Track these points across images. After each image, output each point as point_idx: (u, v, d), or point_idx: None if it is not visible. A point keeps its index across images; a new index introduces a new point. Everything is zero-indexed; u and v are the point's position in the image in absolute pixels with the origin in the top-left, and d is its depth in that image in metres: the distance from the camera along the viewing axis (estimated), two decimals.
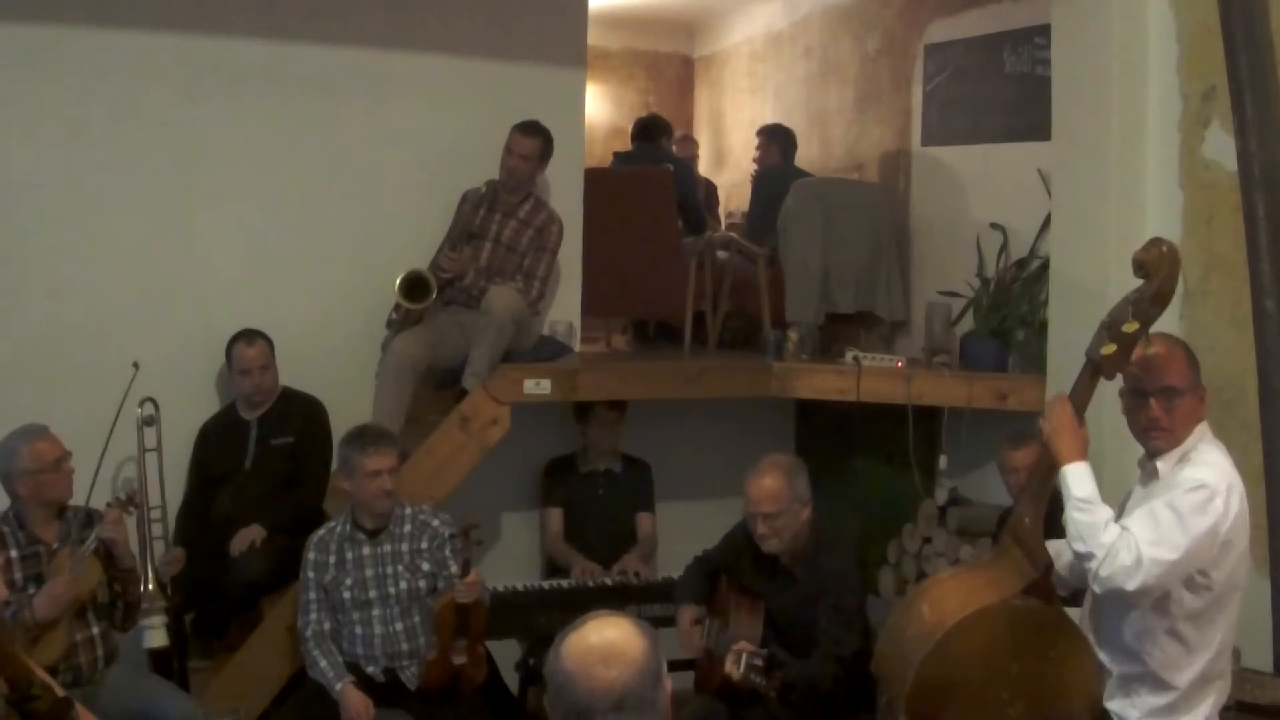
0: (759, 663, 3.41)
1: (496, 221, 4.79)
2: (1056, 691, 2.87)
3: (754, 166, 6.56)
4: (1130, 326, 2.77)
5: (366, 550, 3.96)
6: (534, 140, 4.74)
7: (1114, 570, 2.63)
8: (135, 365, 4.25)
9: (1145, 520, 2.68)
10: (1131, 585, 2.63)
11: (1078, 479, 2.75)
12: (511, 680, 4.44)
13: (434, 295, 4.62)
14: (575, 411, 5.07)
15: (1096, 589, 2.72)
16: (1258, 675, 3.36)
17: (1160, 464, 2.81)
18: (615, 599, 4.55)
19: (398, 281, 4.59)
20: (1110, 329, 2.81)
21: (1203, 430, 2.81)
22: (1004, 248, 5.11)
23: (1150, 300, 2.77)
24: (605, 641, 1.88)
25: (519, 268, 4.75)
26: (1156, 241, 2.81)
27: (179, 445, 4.49)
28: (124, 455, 4.33)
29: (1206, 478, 2.69)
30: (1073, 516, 2.73)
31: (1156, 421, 2.79)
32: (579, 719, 1.85)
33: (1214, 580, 2.70)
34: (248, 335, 4.48)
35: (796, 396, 5.21)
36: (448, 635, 3.83)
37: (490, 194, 4.83)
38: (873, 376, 4.91)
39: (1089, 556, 2.68)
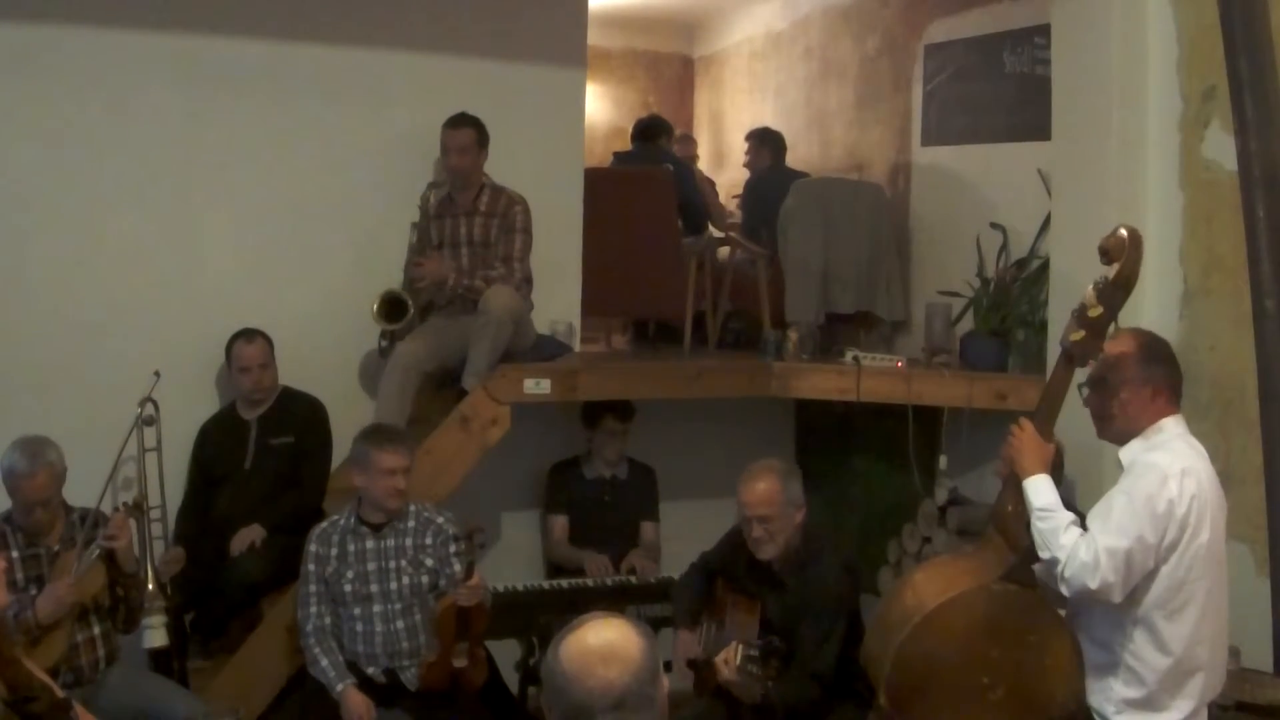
0: (755, 653, 3.41)
1: (463, 224, 4.74)
2: (1037, 677, 2.91)
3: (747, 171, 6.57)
4: (1095, 311, 2.87)
5: (369, 544, 3.95)
6: (465, 131, 4.64)
7: (1075, 569, 2.72)
8: (157, 374, 4.27)
9: (1101, 511, 2.78)
10: (1094, 583, 2.71)
11: (1037, 491, 2.86)
12: (511, 680, 4.44)
13: (411, 312, 4.57)
14: (582, 417, 5.07)
15: (1065, 591, 2.80)
16: (1258, 675, 3.36)
17: (1122, 454, 2.88)
18: (615, 599, 4.54)
19: (374, 306, 4.55)
20: (1079, 316, 2.90)
21: (1172, 425, 2.84)
22: (1004, 248, 5.11)
23: (1113, 285, 2.86)
24: (604, 641, 1.89)
25: (497, 257, 4.70)
26: (1118, 227, 2.89)
27: (179, 445, 4.49)
28: (124, 455, 4.32)
29: (1158, 460, 2.76)
30: (1036, 526, 2.83)
31: (1092, 411, 2.91)
32: (579, 719, 1.85)
33: (1180, 566, 2.73)
34: (247, 334, 4.48)
35: (796, 396, 5.21)
36: (449, 637, 3.83)
37: (444, 201, 4.78)
38: (873, 376, 4.91)
39: (1054, 561, 2.78)
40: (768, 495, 3.66)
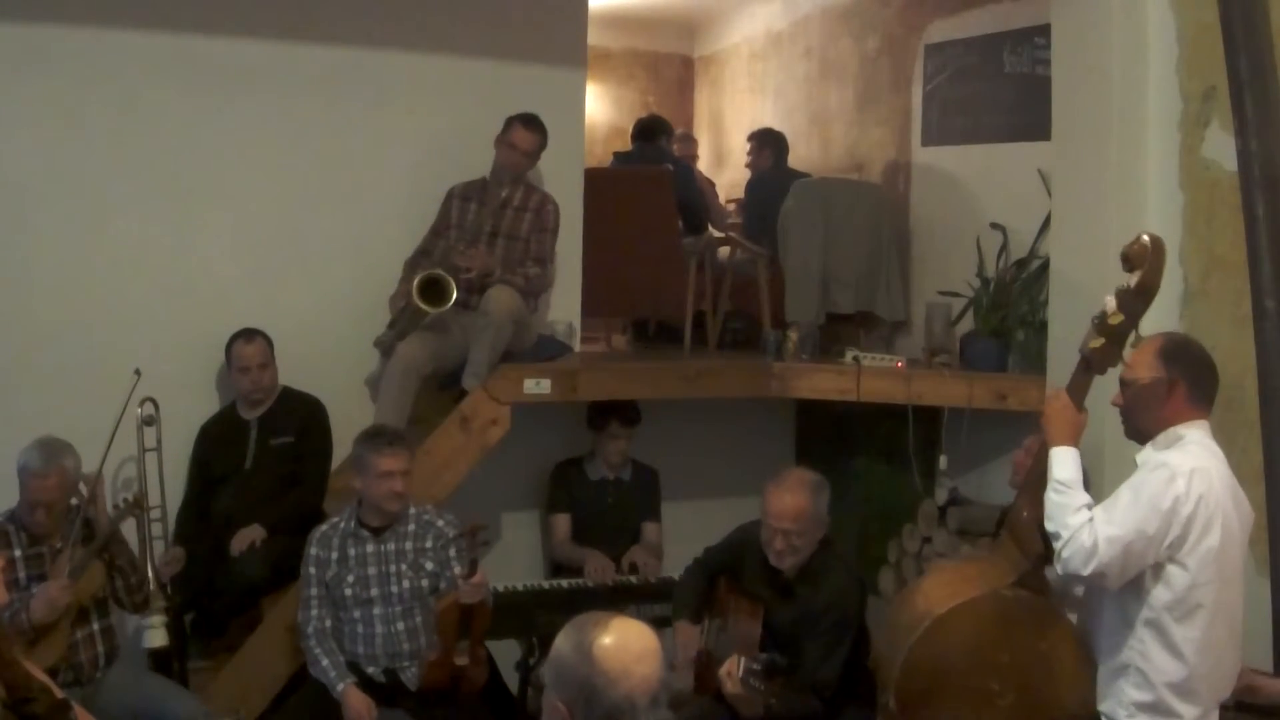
0: (758, 667, 3.39)
1: (490, 216, 4.77)
2: (1047, 683, 2.91)
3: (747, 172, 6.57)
4: (1116, 319, 2.86)
5: (370, 548, 3.95)
6: (536, 136, 4.73)
7: (1074, 551, 2.72)
8: (137, 372, 4.24)
9: (1107, 502, 2.77)
10: (1086, 569, 2.71)
11: (1062, 462, 2.85)
12: (511, 680, 4.44)
13: (452, 300, 4.46)
14: (588, 419, 5.07)
15: (1059, 569, 2.80)
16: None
17: (1139, 456, 2.87)
18: (616, 599, 4.55)
19: (415, 282, 4.45)
20: (1099, 323, 2.88)
21: (1192, 432, 2.81)
22: (1004, 248, 5.11)
23: (1134, 293, 2.84)
24: (634, 640, 1.96)
25: (526, 254, 4.73)
26: (1140, 235, 2.88)
27: (179, 445, 4.49)
28: (124, 455, 4.33)
29: (1169, 459, 2.75)
30: (1050, 497, 2.83)
31: (1120, 410, 2.89)
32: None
33: (1189, 568, 2.72)
34: (247, 333, 4.49)
35: (796, 396, 5.21)
36: (451, 636, 3.82)
37: (478, 189, 4.81)
38: (873, 376, 4.91)
39: (1056, 536, 2.78)
40: (796, 510, 3.59)
